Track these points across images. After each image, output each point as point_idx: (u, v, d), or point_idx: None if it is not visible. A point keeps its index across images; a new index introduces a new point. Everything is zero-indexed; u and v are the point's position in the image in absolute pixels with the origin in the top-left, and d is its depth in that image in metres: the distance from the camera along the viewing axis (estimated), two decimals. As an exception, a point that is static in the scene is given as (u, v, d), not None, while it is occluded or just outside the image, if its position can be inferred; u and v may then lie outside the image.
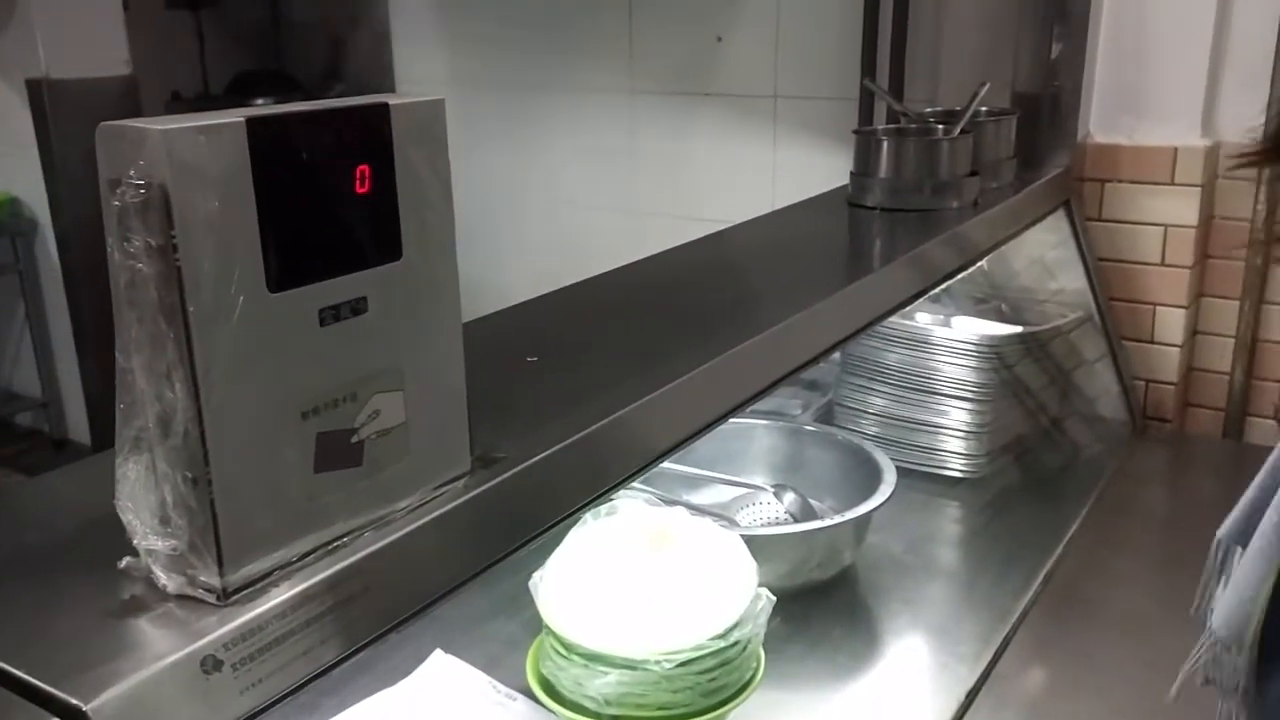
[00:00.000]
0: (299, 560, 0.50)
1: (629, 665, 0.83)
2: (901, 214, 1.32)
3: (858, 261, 1.22)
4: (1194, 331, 1.74)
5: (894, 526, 1.35)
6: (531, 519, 0.65)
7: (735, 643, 0.87)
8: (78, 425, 3.53)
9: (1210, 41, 1.61)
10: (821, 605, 1.20)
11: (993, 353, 1.46)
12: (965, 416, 1.48)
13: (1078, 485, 1.56)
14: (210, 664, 0.45)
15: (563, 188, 2.46)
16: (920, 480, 1.50)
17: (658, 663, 0.82)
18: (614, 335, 0.89)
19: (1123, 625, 1.22)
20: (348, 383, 0.53)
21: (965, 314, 1.63)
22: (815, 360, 0.96)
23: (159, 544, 0.48)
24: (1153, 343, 1.73)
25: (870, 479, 1.27)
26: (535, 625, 0.91)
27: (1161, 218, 1.67)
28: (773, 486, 1.34)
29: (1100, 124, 1.70)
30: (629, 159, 2.32)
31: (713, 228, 1.24)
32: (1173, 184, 1.65)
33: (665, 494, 1.25)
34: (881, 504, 1.20)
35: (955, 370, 1.46)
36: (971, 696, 1.07)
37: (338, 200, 0.51)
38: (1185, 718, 0.85)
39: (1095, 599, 1.29)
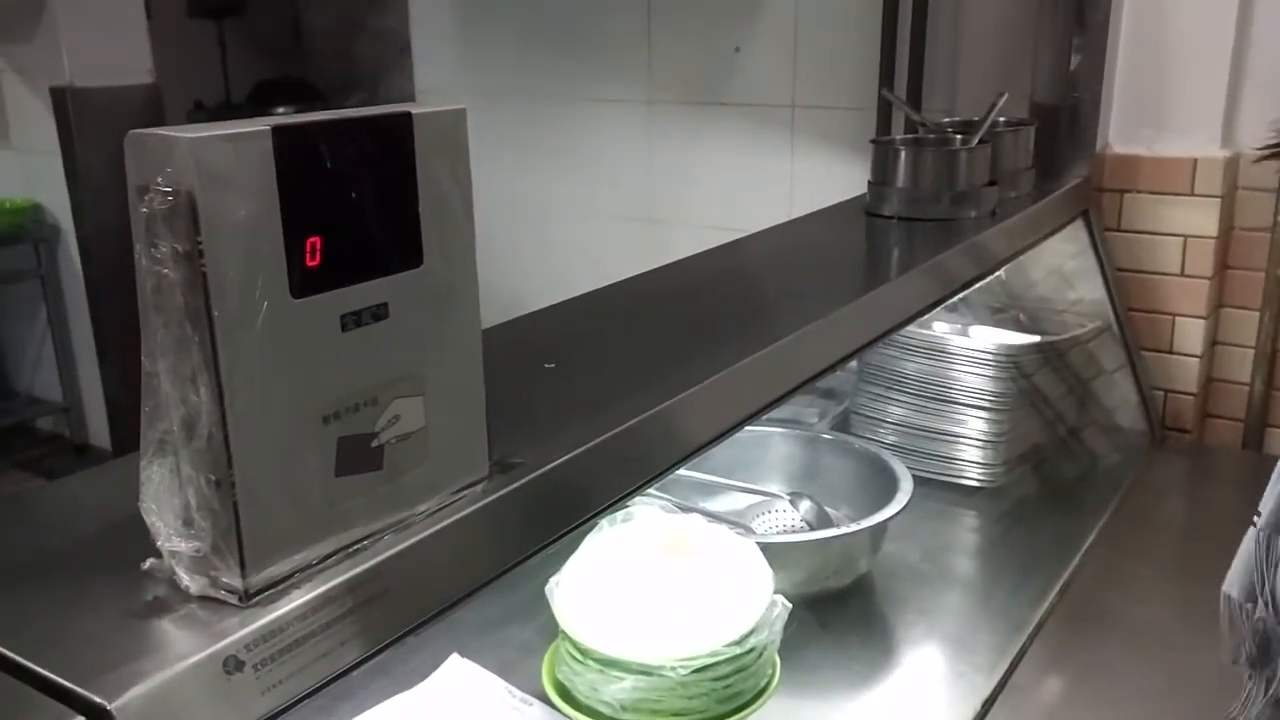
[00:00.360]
0: (320, 563, 0.51)
1: (645, 671, 0.83)
2: (919, 223, 1.32)
3: (875, 270, 1.22)
4: (1213, 342, 1.74)
5: (910, 535, 1.35)
6: (548, 524, 0.65)
7: (751, 649, 0.87)
8: (98, 430, 3.56)
9: (1230, 53, 1.60)
10: (837, 613, 1.20)
11: (1010, 362, 1.45)
12: (982, 426, 1.48)
13: (1096, 495, 1.56)
14: (232, 664, 0.46)
15: (581, 197, 2.47)
16: (937, 489, 1.50)
17: (673, 669, 0.82)
18: (631, 342, 0.90)
19: (1140, 636, 1.22)
20: (369, 388, 0.53)
21: (983, 323, 1.63)
22: (832, 369, 0.96)
23: (182, 545, 0.49)
24: (1172, 353, 1.72)
25: (887, 487, 1.27)
26: (551, 630, 0.91)
27: (1181, 228, 1.67)
28: (789, 494, 1.34)
29: (1119, 134, 1.70)
30: (647, 168, 2.33)
31: (730, 237, 1.25)
32: (1192, 194, 1.65)
33: (681, 501, 1.26)
34: (898, 513, 1.20)
35: (973, 379, 1.46)
36: (987, 707, 1.06)
37: (360, 208, 0.51)
38: (1203, 729, 0.84)
39: (1112, 610, 1.28)
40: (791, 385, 0.90)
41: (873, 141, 1.42)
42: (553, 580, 0.90)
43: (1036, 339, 1.51)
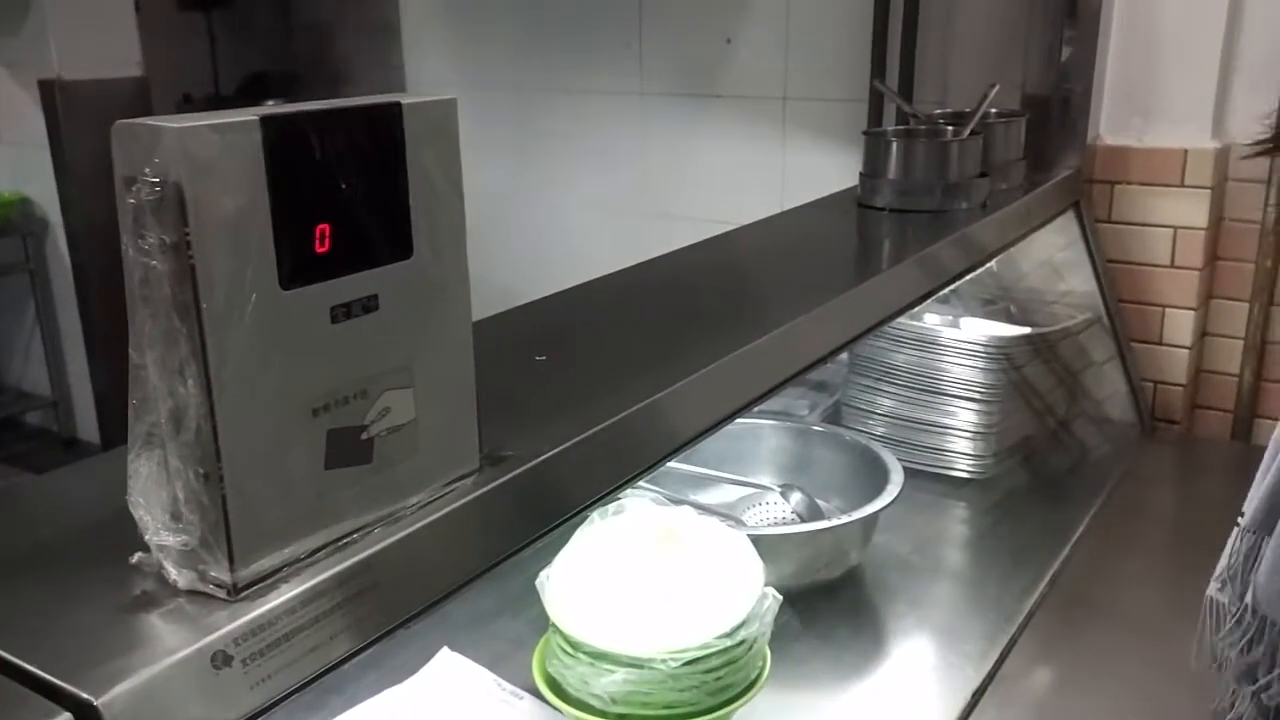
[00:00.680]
0: (309, 556, 0.51)
1: (635, 664, 0.83)
2: (911, 215, 1.32)
3: (866, 262, 1.22)
4: (1203, 333, 1.74)
5: (901, 527, 1.35)
6: (539, 517, 0.65)
7: (741, 641, 0.87)
8: (87, 424, 3.55)
9: (1221, 44, 1.61)
10: (828, 605, 1.20)
11: (1001, 354, 1.46)
12: (973, 418, 1.48)
13: (1086, 486, 1.56)
14: (220, 659, 0.46)
15: (572, 189, 2.46)
16: (927, 481, 1.50)
17: (664, 661, 0.82)
18: (622, 335, 0.90)
19: (1130, 627, 1.22)
20: (358, 380, 0.53)
21: (974, 315, 1.63)
22: (824, 360, 0.96)
23: (170, 539, 0.49)
24: (1161, 344, 1.72)
25: (878, 479, 1.27)
26: (541, 623, 0.91)
27: (1171, 219, 1.67)
28: (780, 486, 1.34)
29: (1110, 126, 1.70)
30: (639, 160, 2.32)
31: (722, 229, 1.25)
32: (1182, 186, 1.65)
33: (672, 493, 1.25)
34: (888, 504, 1.20)
35: (963, 371, 1.46)
36: (977, 697, 1.07)
37: (350, 199, 0.51)
38: (1192, 717, 0.85)
39: (1102, 600, 1.29)
40: (783, 377, 0.90)
41: (865, 133, 1.42)
42: (543, 573, 0.90)
43: (1027, 331, 1.52)
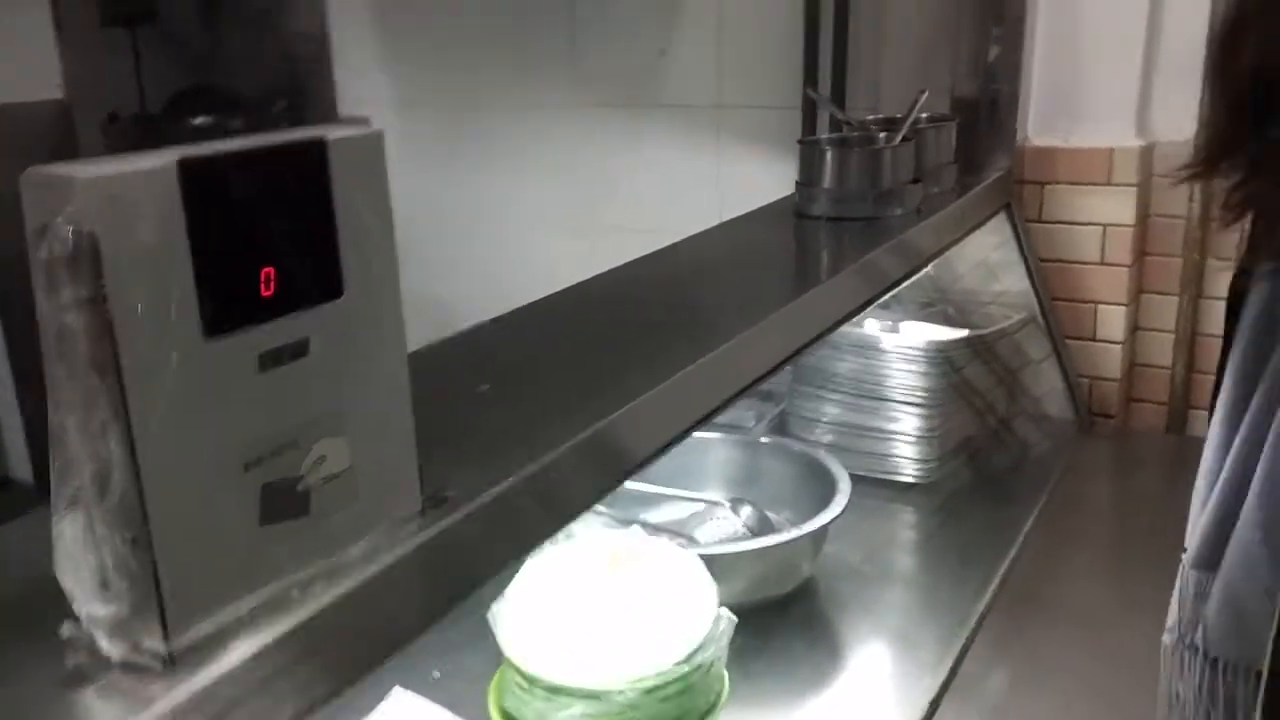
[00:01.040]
0: (248, 618, 0.49)
1: (592, 696, 0.82)
2: (848, 223, 1.32)
3: (807, 272, 1.22)
4: (1135, 328, 1.78)
5: (850, 534, 1.36)
6: (488, 557, 0.63)
7: (698, 666, 0.86)
8: (19, 463, 3.42)
9: (1143, 43, 1.64)
10: (782, 619, 1.20)
11: (941, 357, 1.47)
12: (916, 422, 1.49)
13: (1029, 484, 1.58)
14: (159, 734, 0.43)
15: (509, 204, 2.44)
16: (874, 486, 1.51)
17: (621, 692, 0.81)
18: (566, 359, 0.88)
19: (1079, 621, 1.24)
20: (291, 428, 0.51)
21: (912, 319, 1.64)
22: (772, 373, 0.96)
23: (100, 610, 0.46)
24: (1095, 340, 1.75)
25: (825, 489, 1.28)
26: (496, 655, 0.89)
27: (1100, 217, 1.70)
28: (730, 500, 1.34)
29: (1038, 127, 1.73)
30: (575, 173, 2.31)
31: (662, 239, 1.24)
32: (1109, 184, 1.68)
33: (621, 514, 1.25)
34: (837, 516, 1.20)
35: (905, 376, 1.47)
36: (935, 704, 1.07)
37: (275, 240, 0.49)
38: (1144, 713, 0.86)
39: (1051, 597, 1.30)
40: (732, 392, 0.90)
41: (799, 142, 1.42)
42: (494, 606, 0.88)
43: (965, 333, 1.53)
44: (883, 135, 1.42)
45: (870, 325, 1.57)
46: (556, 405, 0.76)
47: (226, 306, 0.47)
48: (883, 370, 1.48)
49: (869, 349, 1.49)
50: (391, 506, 0.57)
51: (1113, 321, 1.73)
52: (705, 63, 2.10)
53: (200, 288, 0.45)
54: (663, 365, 0.81)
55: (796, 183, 1.40)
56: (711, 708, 0.89)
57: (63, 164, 0.42)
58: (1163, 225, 1.72)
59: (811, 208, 1.37)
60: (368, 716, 0.93)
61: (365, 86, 2.68)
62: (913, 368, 1.46)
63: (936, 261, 1.43)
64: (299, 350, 0.51)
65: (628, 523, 1.18)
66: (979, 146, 1.67)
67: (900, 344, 1.47)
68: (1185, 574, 0.80)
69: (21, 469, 3.45)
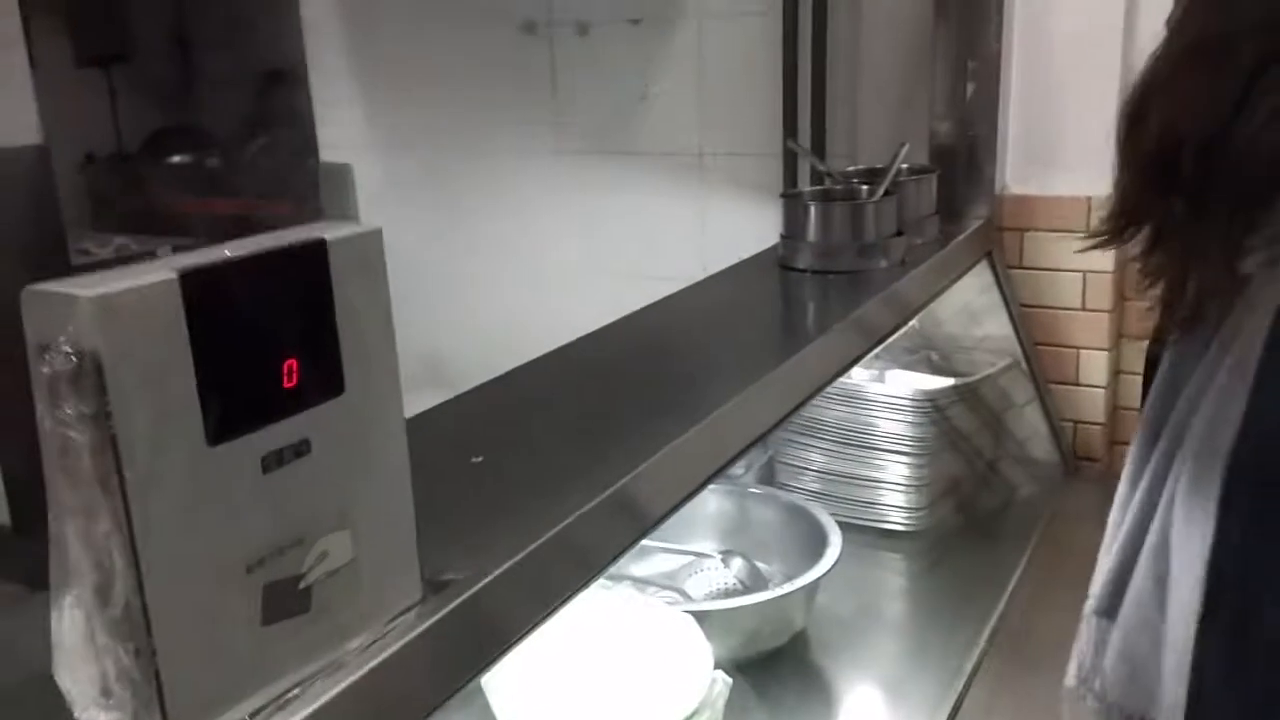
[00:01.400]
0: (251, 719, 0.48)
1: (589, 767, 0.81)
2: (832, 276, 1.34)
3: (798, 330, 1.23)
4: (1117, 371, 1.79)
5: (840, 584, 1.36)
6: (491, 640, 0.63)
7: (695, 734, 0.86)
8: (-6, 506, 3.39)
9: (1116, 91, 1.67)
10: (775, 673, 1.20)
11: (929, 406, 1.48)
12: (904, 470, 1.50)
13: (1017, 529, 1.59)
14: (161, 846, 0.43)
15: (488, 248, 2.44)
16: (862, 534, 1.51)
17: (618, 764, 0.81)
18: (559, 426, 0.88)
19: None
20: (294, 527, 0.51)
21: (898, 367, 1.66)
22: (766, 434, 0.96)
23: (101, 717, 0.46)
24: (1079, 385, 1.77)
25: (815, 540, 1.28)
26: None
27: (1080, 264, 1.72)
28: (720, 553, 1.34)
29: (1015, 175, 1.75)
30: (556, 219, 2.32)
31: (645, 285, 1.24)
32: (1088, 231, 1.70)
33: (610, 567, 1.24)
34: (832, 567, 1.21)
35: (893, 425, 1.48)
36: (931, 760, 1.07)
37: (277, 344, 0.49)
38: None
39: (1043, 643, 1.30)
40: (729, 457, 0.90)
41: (783, 195, 1.44)
42: (488, 673, 0.88)
43: (951, 381, 1.55)
44: (865, 188, 1.44)
45: (857, 374, 1.58)
46: (552, 479, 0.76)
47: (230, 413, 0.47)
48: (870, 419, 1.49)
49: (856, 398, 1.50)
50: (393, 596, 0.57)
51: (1095, 366, 1.75)
52: (687, 110, 2.12)
53: (204, 397, 0.46)
54: (658, 433, 0.82)
55: (781, 235, 1.42)
56: (708, 774, 0.88)
57: (62, 281, 0.43)
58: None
59: (796, 260, 1.38)
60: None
61: (345, 128, 2.69)
62: (900, 417, 1.47)
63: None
64: (301, 449, 0.51)
65: (617, 577, 1.18)
66: (958, 195, 1.69)
67: (887, 393, 1.48)
68: (1087, 621, 0.85)
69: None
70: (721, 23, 2.06)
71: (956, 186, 1.68)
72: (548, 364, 1.03)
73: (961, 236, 1.56)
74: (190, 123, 4.76)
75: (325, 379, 0.52)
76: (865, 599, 1.38)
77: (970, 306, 1.72)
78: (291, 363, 0.50)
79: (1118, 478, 1.83)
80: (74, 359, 0.42)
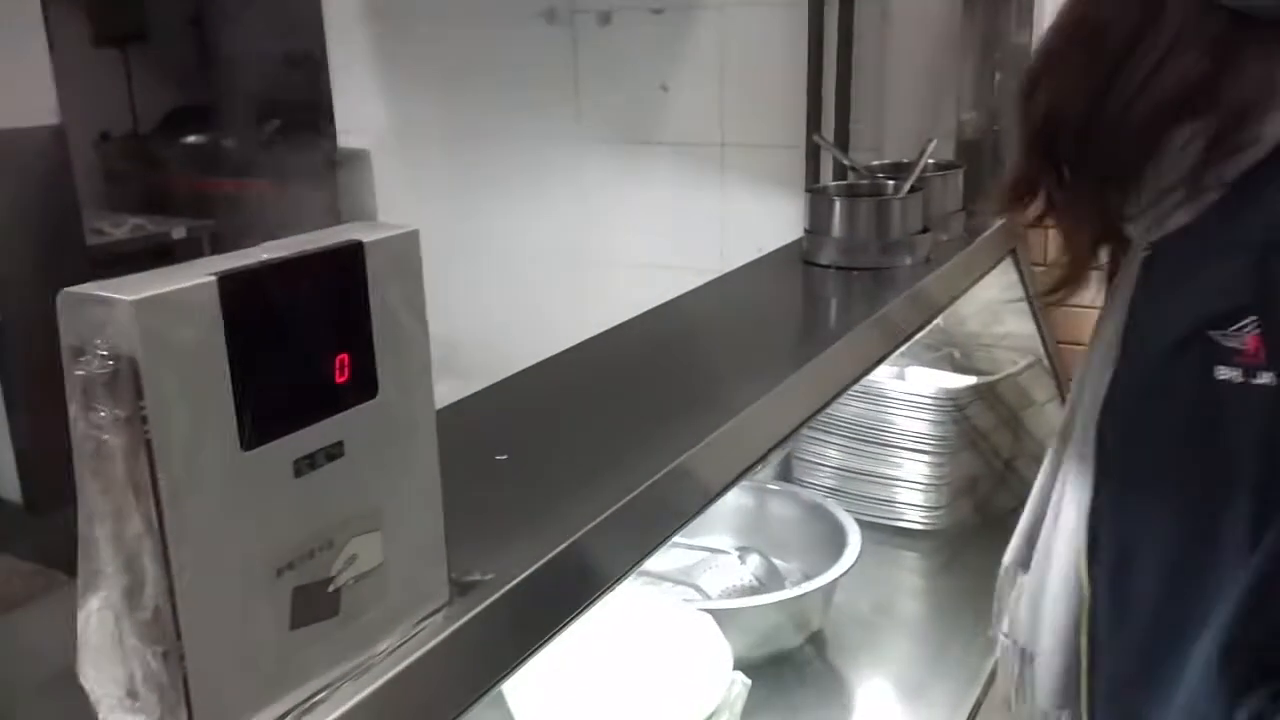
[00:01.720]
0: (277, 725, 0.48)
1: (609, 769, 0.81)
2: (857, 273, 1.32)
3: (824, 329, 1.22)
4: (1139, 371, 1.77)
5: (857, 583, 1.35)
6: (518, 642, 0.63)
7: (715, 736, 0.85)
8: (9, 484, 3.40)
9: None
10: (792, 673, 1.19)
11: (950, 404, 1.47)
12: (924, 469, 1.49)
13: (1034, 530, 1.58)
14: None
15: (508, 237, 2.43)
16: (879, 532, 1.50)
17: (638, 765, 0.81)
18: (582, 424, 0.88)
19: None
20: (324, 530, 0.50)
21: (919, 364, 1.64)
22: (791, 435, 0.95)
23: (127, 719, 0.46)
24: (1100, 384, 1.75)
25: (833, 538, 1.27)
26: (509, 724, 0.88)
27: (1103, 259, 1.70)
28: (737, 549, 1.33)
29: (1042, 171, 1.73)
30: (578, 208, 2.31)
31: (666, 275, 1.23)
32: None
33: (631, 565, 1.24)
34: (851, 566, 1.20)
35: (913, 423, 1.47)
36: (949, 763, 1.07)
37: (313, 346, 0.49)
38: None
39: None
40: (755, 458, 0.89)
41: (808, 190, 1.42)
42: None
43: (974, 380, 1.53)
44: (891, 184, 1.43)
45: (877, 370, 1.56)
46: (577, 477, 0.76)
47: (264, 418, 0.46)
48: (890, 417, 1.48)
49: (876, 395, 1.49)
50: (420, 598, 0.57)
51: (1117, 365, 1.73)
52: (709, 101, 2.10)
53: (239, 401, 0.45)
54: (683, 434, 0.81)
55: (804, 230, 1.40)
56: (726, 776, 0.88)
57: (99, 284, 0.42)
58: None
59: (819, 256, 1.37)
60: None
61: (364, 114, 2.68)
62: (921, 415, 1.46)
63: (943, 307, 1.43)
64: (334, 452, 0.50)
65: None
66: (983, 190, 1.67)
67: (909, 391, 1.47)
68: (1006, 572, 0.96)
69: (10, 490, 3.43)
70: (745, 11, 2.04)
71: (982, 181, 1.66)
72: (570, 360, 1.02)
73: (987, 233, 1.54)
74: (205, 103, 4.76)
75: (359, 381, 0.51)
76: (882, 598, 1.37)
77: (993, 304, 1.70)
78: (327, 366, 0.50)
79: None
80: (110, 362, 0.42)
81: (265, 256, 0.47)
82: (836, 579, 1.18)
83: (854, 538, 1.24)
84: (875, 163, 1.62)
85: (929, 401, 1.46)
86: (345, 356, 0.50)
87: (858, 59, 1.90)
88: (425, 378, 0.55)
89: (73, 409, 0.44)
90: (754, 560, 1.32)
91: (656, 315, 1.15)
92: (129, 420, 0.42)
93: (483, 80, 2.36)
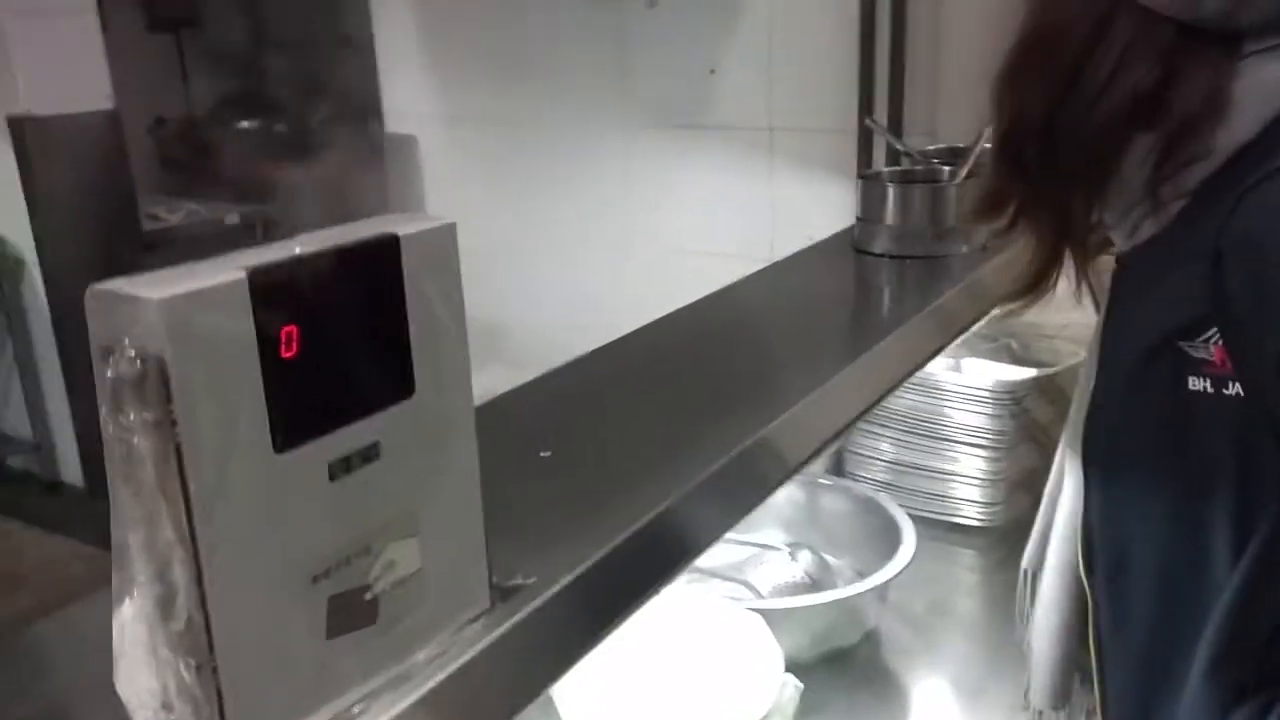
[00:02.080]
0: (314, 738, 0.46)
1: (656, 774, 0.79)
2: (910, 261, 1.28)
3: (875, 319, 1.18)
4: (1205, 361, 1.71)
5: (912, 580, 1.31)
6: (562, 649, 0.61)
7: (765, 741, 0.83)
8: (70, 467, 3.47)
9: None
10: (846, 673, 1.17)
11: (1008, 397, 1.42)
12: (981, 463, 1.45)
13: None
14: None
15: (557, 222, 2.42)
16: (934, 528, 1.47)
17: (686, 771, 0.78)
18: (628, 420, 0.85)
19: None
20: (361, 536, 0.49)
21: (975, 355, 1.60)
22: (844, 430, 0.92)
23: (162, 731, 0.44)
24: (1165, 374, 1.69)
25: (887, 534, 1.24)
26: (555, 724, 0.87)
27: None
28: (788, 545, 1.30)
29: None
30: (625, 193, 2.29)
31: (713, 261, 1.21)
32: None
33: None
34: (907, 564, 1.17)
35: (970, 417, 1.43)
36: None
37: (347, 344, 0.47)
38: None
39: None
40: (807, 454, 0.87)
41: (860, 177, 1.38)
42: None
43: (1032, 372, 1.48)
44: (946, 169, 1.38)
45: (932, 363, 1.52)
46: (623, 477, 0.73)
47: (297, 419, 0.44)
48: (946, 409, 1.44)
49: (931, 387, 1.45)
50: (461, 604, 0.55)
51: (1182, 355, 1.67)
52: (757, 84, 2.06)
53: (270, 402, 0.43)
54: (735, 429, 0.78)
55: (856, 217, 1.36)
56: (777, 781, 0.86)
57: (128, 279, 0.40)
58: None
59: (872, 244, 1.33)
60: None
61: (413, 100, 2.68)
62: (978, 408, 1.42)
63: (1000, 296, 1.39)
64: (369, 455, 0.48)
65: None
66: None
67: (965, 384, 1.43)
68: (1022, 577, 0.98)
69: (73, 474, 3.50)
70: (796, -9, 2.00)
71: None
72: (616, 352, 0.99)
73: (1046, 220, 1.49)
74: (258, 88, 4.80)
75: (395, 381, 0.50)
76: (938, 596, 1.34)
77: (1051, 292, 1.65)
78: (361, 364, 0.48)
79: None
80: (138, 363, 0.40)
81: (298, 250, 0.45)
82: (892, 577, 1.15)
83: (908, 534, 1.21)
84: (930, 147, 1.57)
85: (986, 394, 1.42)
86: (380, 355, 0.48)
87: (911, 40, 1.85)
88: (464, 376, 0.53)
89: (103, 410, 0.42)
90: (805, 556, 1.29)
91: (706, 305, 1.12)
92: (158, 424, 0.41)
93: (530, 64, 2.35)
